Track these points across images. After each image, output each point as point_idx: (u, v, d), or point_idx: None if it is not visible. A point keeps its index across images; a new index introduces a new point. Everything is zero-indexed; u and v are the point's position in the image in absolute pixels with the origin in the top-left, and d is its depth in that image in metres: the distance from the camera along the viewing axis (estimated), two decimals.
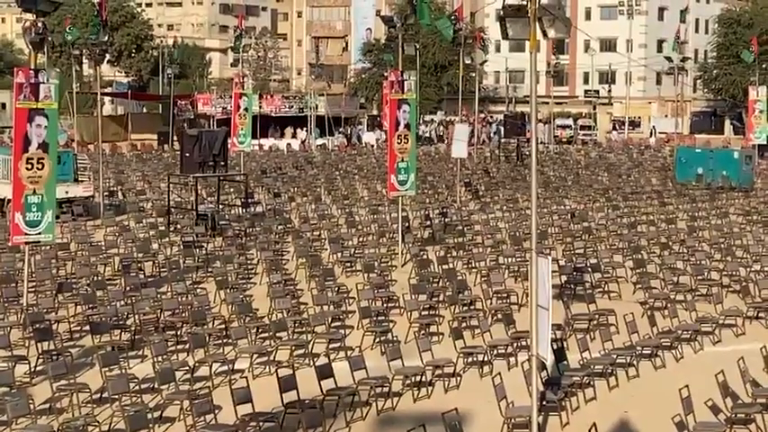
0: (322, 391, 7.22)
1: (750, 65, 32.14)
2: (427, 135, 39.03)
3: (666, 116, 46.61)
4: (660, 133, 43.91)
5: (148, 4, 54.53)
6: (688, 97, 46.08)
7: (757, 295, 11.97)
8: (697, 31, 51.66)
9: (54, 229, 10.84)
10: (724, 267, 13.52)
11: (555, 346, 7.69)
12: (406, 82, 14.57)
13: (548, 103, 42.27)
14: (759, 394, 7.04)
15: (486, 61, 43.12)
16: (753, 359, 7.90)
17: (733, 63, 43.26)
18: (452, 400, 7.09)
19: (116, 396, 6.93)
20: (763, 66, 34.24)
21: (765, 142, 27.86)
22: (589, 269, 13.24)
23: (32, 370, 8.32)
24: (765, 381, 7.68)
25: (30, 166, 9.15)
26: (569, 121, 44.68)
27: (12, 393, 7.25)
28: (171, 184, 19.67)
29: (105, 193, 20.40)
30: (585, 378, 7.83)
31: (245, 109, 22.94)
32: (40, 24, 9.02)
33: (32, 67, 9.63)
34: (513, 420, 6.66)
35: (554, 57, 46.47)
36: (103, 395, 7.26)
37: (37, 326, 9.25)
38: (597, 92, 51.52)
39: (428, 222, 17.95)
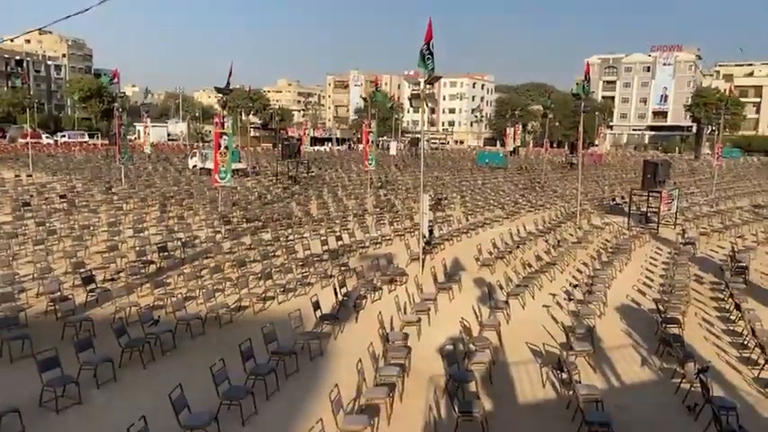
0: (343, 243, 19.48)
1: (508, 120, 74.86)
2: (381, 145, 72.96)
3: (475, 140, 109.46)
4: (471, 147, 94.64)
5: (267, 91, 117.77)
6: (483, 132, 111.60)
7: (507, 207, 25.77)
8: (488, 105, 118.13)
9: (231, 181, 24.66)
10: (495, 196, 28.29)
11: (429, 229, 20.15)
12: (372, 125, 29.98)
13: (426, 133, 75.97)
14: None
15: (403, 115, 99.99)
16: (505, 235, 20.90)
17: (501, 118, 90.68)
18: (388, 250, 19.53)
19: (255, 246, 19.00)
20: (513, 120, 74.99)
21: (513, 149, 67.17)
22: (446, 198, 27.11)
23: (224, 236, 20.22)
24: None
25: (221, 155, 20.81)
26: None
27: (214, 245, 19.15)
28: (277, 164, 40.95)
29: (251, 167, 43.20)
30: (440, 242, 20.47)
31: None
32: (224, 97, 20.51)
33: (222, 115, 21.50)
34: (412, 255, 18.96)
35: (431, 114, 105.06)
36: (252, 246, 19.25)
37: (225, 219, 21.76)
38: (446, 129, 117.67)
39: (381, 181, 32.91)
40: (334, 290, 13.66)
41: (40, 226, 20.22)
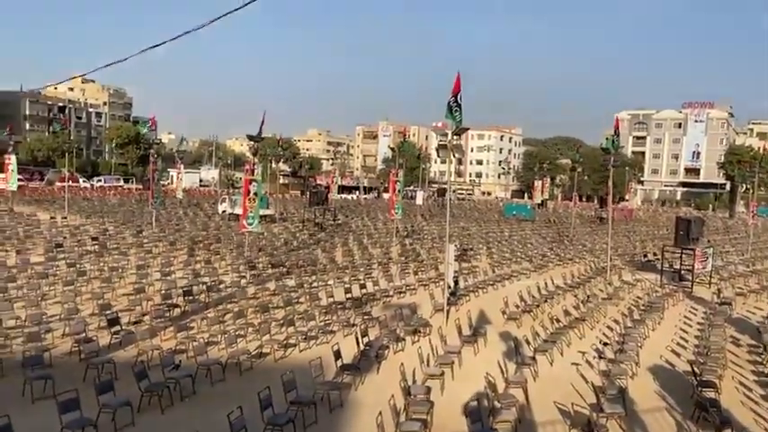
0: (367, 291, 19.31)
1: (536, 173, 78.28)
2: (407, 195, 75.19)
3: (503, 191, 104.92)
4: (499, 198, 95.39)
5: (297, 140, 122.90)
6: (511, 183, 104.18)
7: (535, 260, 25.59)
8: (516, 157, 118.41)
9: (259, 226, 24.79)
10: (522, 248, 28.16)
11: (455, 279, 19.90)
12: (399, 174, 32.95)
13: (452, 183, 76.90)
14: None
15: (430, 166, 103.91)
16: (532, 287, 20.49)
17: (529, 171, 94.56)
18: (412, 299, 19.30)
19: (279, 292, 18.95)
20: (541, 173, 76.68)
21: (541, 201, 69.13)
22: (472, 249, 26.87)
23: (249, 280, 20.26)
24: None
25: (249, 201, 21.15)
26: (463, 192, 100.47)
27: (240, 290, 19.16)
28: (304, 211, 42.35)
29: (278, 213, 43.75)
30: (465, 293, 20.16)
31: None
32: (256, 145, 21.08)
33: (253, 162, 22.00)
34: (436, 306, 18.63)
35: (459, 165, 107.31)
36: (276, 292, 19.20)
37: (251, 264, 22.03)
38: (474, 181, 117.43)
39: (407, 230, 33.30)
40: (356, 339, 13.45)
41: (70, 267, 20.60)
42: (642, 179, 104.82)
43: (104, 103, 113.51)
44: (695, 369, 12.05)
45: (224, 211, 42.66)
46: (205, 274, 20.86)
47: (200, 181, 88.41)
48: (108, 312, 14.69)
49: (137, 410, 9.91)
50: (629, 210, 69.59)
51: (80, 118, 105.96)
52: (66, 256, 22.85)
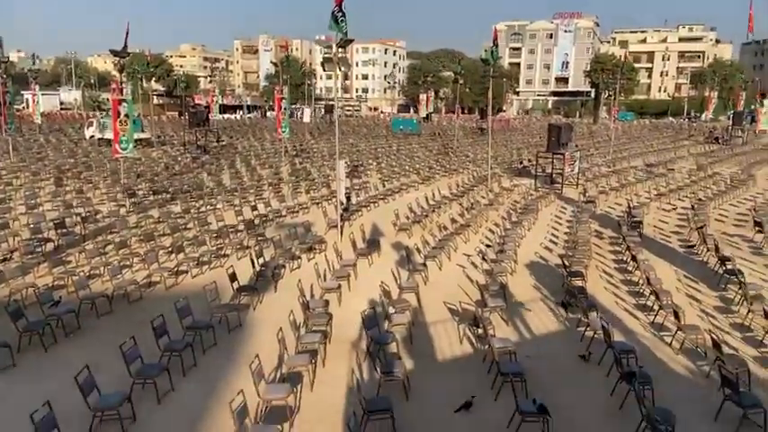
0: (259, 213, 18.98)
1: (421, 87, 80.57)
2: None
3: (389, 106, 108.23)
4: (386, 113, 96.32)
5: (169, 56, 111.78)
6: (397, 98, 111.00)
7: (422, 172, 26.26)
8: (401, 71, 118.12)
9: (135, 151, 23.18)
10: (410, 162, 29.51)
11: (347, 196, 20.07)
12: (284, 91, 30.37)
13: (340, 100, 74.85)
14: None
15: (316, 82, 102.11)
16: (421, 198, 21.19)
17: (414, 85, 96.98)
18: (306, 218, 19.28)
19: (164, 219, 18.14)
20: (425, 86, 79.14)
21: (426, 115, 70.43)
22: (362, 165, 27.58)
23: (129, 209, 19.06)
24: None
25: (121, 124, 19.22)
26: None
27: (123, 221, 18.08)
28: (184, 133, 39.44)
29: (155, 136, 41.15)
30: (357, 208, 20.47)
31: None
32: (121, 61, 18.82)
33: (120, 80, 19.57)
34: (330, 223, 18.74)
35: (345, 81, 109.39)
36: (160, 219, 18.31)
37: (129, 191, 20.38)
38: (360, 96, 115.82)
39: (296, 149, 32.14)
40: (251, 260, 13.33)
41: None
42: (518, 90, 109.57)
43: None
44: (565, 262, 13.34)
45: (92, 136, 39.23)
46: (78, 205, 19.32)
47: (61, 104, 79.92)
48: None
49: (17, 351, 9.30)
50: (507, 120, 73.15)
51: None
52: None
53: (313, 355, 9.06)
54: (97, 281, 12.69)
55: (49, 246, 15.09)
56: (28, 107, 61.92)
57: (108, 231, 16.53)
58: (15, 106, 44.69)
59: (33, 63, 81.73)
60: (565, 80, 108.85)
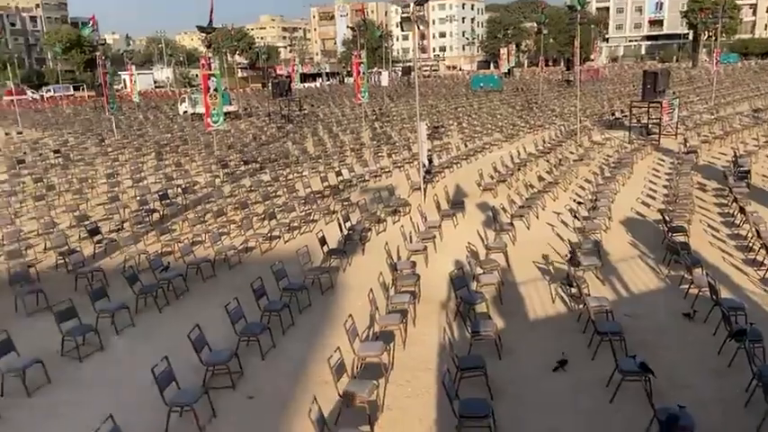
0: (343, 178, 19.34)
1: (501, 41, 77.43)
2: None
3: (469, 64, 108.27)
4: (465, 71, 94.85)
5: (250, 29, 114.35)
6: (476, 54, 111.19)
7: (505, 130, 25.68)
8: (479, 26, 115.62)
9: (225, 123, 24.34)
10: (492, 120, 28.25)
11: (429, 158, 19.95)
12: (362, 55, 31.07)
13: (418, 61, 74.96)
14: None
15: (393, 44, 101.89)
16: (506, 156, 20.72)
17: (494, 40, 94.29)
18: (389, 182, 19.41)
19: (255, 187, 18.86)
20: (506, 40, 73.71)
21: (507, 70, 69.20)
22: (443, 126, 27.01)
23: (223, 179, 20.06)
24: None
25: (211, 98, 20.09)
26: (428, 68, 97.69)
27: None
28: (269, 103, 40.69)
29: (242, 109, 43.00)
30: (440, 170, 20.32)
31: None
32: (208, 36, 19.59)
33: (208, 56, 20.34)
34: (413, 185, 18.83)
35: (422, 40, 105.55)
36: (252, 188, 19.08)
37: (222, 162, 21.33)
38: (438, 55, 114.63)
39: (375, 113, 33.68)
40: (339, 225, 13.66)
41: (37, 182, 20.05)
42: (607, 36, 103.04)
43: (37, 6, 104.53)
44: (665, 216, 12.64)
45: (185, 112, 41.23)
46: (178, 177, 20.54)
47: (155, 82, 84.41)
48: (87, 223, 14.54)
49: (134, 312, 10.17)
50: (596, 69, 69.15)
51: (14, 25, 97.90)
52: (30, 171, 22.15)
53: (403, 315, 9.24)
54: (199, 247, 13.51)
55: (155, 216, 16.21)
56: (126, 87, 65.98)
57: (206, 201, 17.47)
58: (115, 86, 47.71)
59: (128, 44, 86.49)
60: (659, 23, 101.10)
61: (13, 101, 44.40)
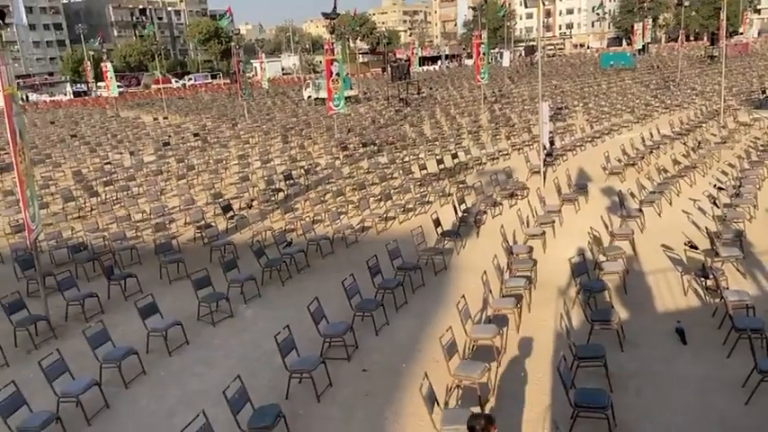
0: (460, 160, 19.19)
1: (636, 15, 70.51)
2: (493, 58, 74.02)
3: (598, 41, 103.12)
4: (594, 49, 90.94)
5: (372, 14, 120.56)
6: (607, 31, 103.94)
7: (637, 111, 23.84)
8: (611, 0, 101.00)
9: (346, 107, 25.56)
10: (622, 100, 26.76)
11: (550, 140, 19.16)
12: (482, 36, 31.30)
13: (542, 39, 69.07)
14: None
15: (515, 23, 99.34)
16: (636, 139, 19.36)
17: (627, 14, 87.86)
18: (507, 164, 18.93)
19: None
20: (641, 13, 63.50)
21: (641, 47, 60.64)
22: (567, 108, 25.72)
23: (342, 161, 20.79)
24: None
25: (333, 82, 21.02)
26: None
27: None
28: (387, 87, 40.51)
29: (362, 93, 45.30)
30: (562, 153, 19.45)
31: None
32: (332, 22, 20.50)
33: (331, 41, 21.50)
34: (532, 168, 18.20)
35: (547, 18, 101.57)
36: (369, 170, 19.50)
37: (342, 145, 22.51)
38: (564, 33, 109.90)
39: (494, 95, 33.98)
40: (454, 207, 13.60)
41: (180, 162, 22.01)
42: (759, 7, 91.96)
43: (180, 0, 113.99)
44: None
45: (309, 97, 43.01)
46: (301, 159, 21.56)
47: (282, 69, 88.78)
48: (220, 200, 15.77)
49: (261, 283, 10.89)
50: (745, 44, 62.23)
51: (160, 18, 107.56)
52: (173, 153, 24.35)
53: (518, 299, 9.03)
54: (319, 225, 14.13)
55: (280, 195, 17.17)
56: (256, 74, 70.18)
57: (326, 181, 18.19)
58: (247, 74, 51.00)
59: (260, 33, 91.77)
60: None
61: (160, 89, 48.99)
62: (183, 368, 8.39)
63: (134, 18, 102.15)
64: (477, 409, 6.51)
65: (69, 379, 7.53)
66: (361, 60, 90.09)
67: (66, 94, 71.94)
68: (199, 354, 8.77)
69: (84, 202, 17.79)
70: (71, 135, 32.25)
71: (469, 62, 70.72)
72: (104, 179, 19.43)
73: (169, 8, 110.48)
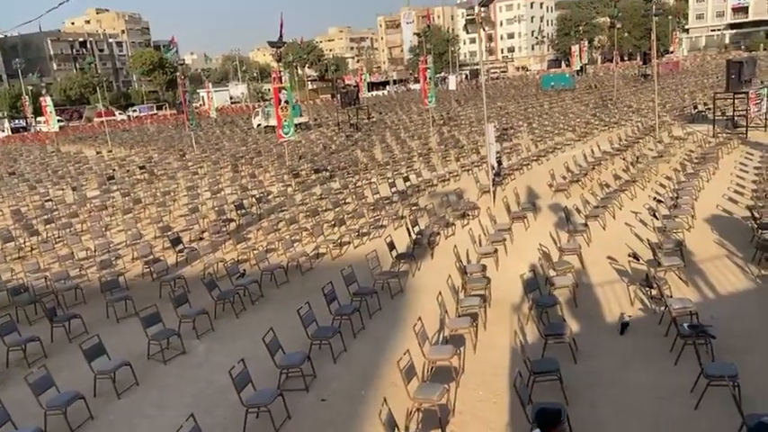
0: (411, 183, 19.41)
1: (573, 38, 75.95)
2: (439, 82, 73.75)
3: (538, 64, 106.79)
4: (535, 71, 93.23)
5: (319, 42, 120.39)
6: (546, 53, 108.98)
7: (578, 129, 24.50)
8: (549, 24, 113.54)
9: (296, 134, 25.49)
10: (564, 119, 27.59)
11: (498, 160, 19.64)
12: (428, 60, 31.49)
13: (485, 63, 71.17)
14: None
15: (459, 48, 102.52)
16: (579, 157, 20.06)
17: (565, 37, 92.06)
18: (457, 186, 19.26)
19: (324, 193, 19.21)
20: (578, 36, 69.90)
21: (579, 68, 60.70)
22: (512, 128, 26.35)
23: (294, 188, 20.66)
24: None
25: (282, 110, 20.96)
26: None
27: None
28: (337, 113, 41.01)
29: (312, 120, 44.79)
30: (509, 172, 19.96)
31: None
32: (278, 51, 20.51)
33: (279, 69, 21.38)
34: (481, 188, 18.59)
35: (489, 42, 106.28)
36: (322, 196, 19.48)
37: (294, 172, 22.24)
38: (506, 57, 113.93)
39: (443, 118, 34.30)
40: (407, 229, 13.70)
41: (125, 197, 21.40)
42: (687, 27, 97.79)
43: (122, 32, 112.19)
44: (754, 213, 11.82)
45: (259, 125, 42.77)
46: (252, 188, 21.32)
47: (230, 98, 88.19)
48: (169, 233, 15.38)
49: (213, 317, 10.63)
50: (675, 62, 65.85)
51: (102, 50, 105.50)
52: (118, 187, 23.66)
53: (474, 318, 9.13)
54: (273, 254, 13.95)
55: (232, 225, 16.89)
56: (204, 104, 69.39)
57: (279, 209, 18.03)
58: (194, 104, 50.42)
59: (206, 62, 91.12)
60: (744, 10, 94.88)
61: (102, 122, 47.72)
62: (133, 410, 8.05)
63: (74, 51, 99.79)
64: None
65: (12, 430, 7.11)
66: (310, 87, 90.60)
67: (3, 131, 69.16)
68: (150, 394, 8.44)
69: (24, 242, 17.01)
70: (9, 173, 30.93)
71: (417, 86, 72.06)
72: (45, 217, 18.67)
73: (111, 40, 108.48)
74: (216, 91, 75.14)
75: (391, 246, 12.54)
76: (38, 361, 9.51)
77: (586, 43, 77.12)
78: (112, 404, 8.21)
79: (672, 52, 78.58)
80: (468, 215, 15.42)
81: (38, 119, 62.01)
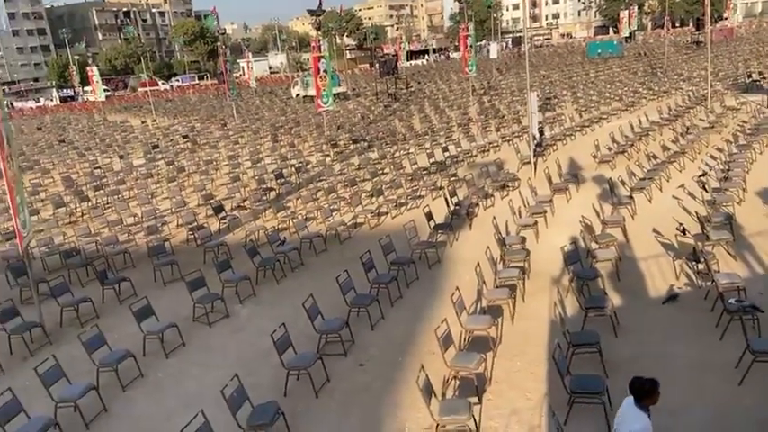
0: (450, 154, 19.23)
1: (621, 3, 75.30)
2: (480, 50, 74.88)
3: (584, 30, 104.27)
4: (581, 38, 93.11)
5: (358, 10, 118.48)
6: (593, 20, 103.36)
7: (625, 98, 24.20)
8: None
9: (334, 104, 25.83)
10: (610, 88, 27.00)
11: (540, 130, 19.21)
12: (469, 28, 31.40)
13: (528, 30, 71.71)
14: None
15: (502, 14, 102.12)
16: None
17: (613, 2, 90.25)
18: (497, 156, 18.98)
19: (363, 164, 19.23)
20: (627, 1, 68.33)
21: (628, 34, 61.14)
22: (555, 97, 26.00)
23: (333, 158, 20.76)
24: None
25: (321, 79, 20.97)
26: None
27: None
28: (376, 83, 41.44)
29: (350, 89, 44.90)
30: (552, 143, 19.52)
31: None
32: (318, 19, 20.43)
33: (318, 38, 21.47)
34: (522, 159, 18.28)
35: (533, 8, 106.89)
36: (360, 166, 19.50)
37: (332, 142, 22.61)
38: (551, 23, 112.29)
39: (483, 87, 33.93)
40: (446, 200, 13.63)
41: (169, 165, 21.91)
42: None
43: (165, 1, 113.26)
44: None
45: (298, 95, 42.90)
46: (292, 158, 21.52)
47: (270, 68, 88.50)
48: (212, 201, 15.73)
49: (255, 283, 10.89)
50: (729, 29, 62.54)
51: (145, 20, 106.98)
52: (163, 155, 24.25)
53: (512, 290, 9.08)
54: (312, 223, 14.12)
55: (272, 194, 17.14)
56: (244, 74, 69.88)
57: (318, 179, 18.18)
58: (234, 74, 50.83)
59: (246, 32, 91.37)
60: None
61: (147, 92, 48.70)
62: (181, 370, 8.38)
63: (118, 21, 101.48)
64: (474, 400, 6.57)
65: (66, 384, 7.51)
66: (348, 56, 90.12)
67: (52, 100, 71.44)
68: (196, 355, 8.76)
69: (75, 208, 17.70)
70: (59, 141, 32.04)
71: (457, 55, 70.78)
72: (94, 184, 19.34)
73: (153, 9, 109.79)
74: (256, 61, 75.45)
75: (429, 216, 12.52)
76: (90, 321, 9.98)
77: (636, 9, 74.00)
78: (161, 363, 8.56)
79: (726, 18, 74.53)
80: (508, 186, 15.22)
81: (85, 88, 63.79)
